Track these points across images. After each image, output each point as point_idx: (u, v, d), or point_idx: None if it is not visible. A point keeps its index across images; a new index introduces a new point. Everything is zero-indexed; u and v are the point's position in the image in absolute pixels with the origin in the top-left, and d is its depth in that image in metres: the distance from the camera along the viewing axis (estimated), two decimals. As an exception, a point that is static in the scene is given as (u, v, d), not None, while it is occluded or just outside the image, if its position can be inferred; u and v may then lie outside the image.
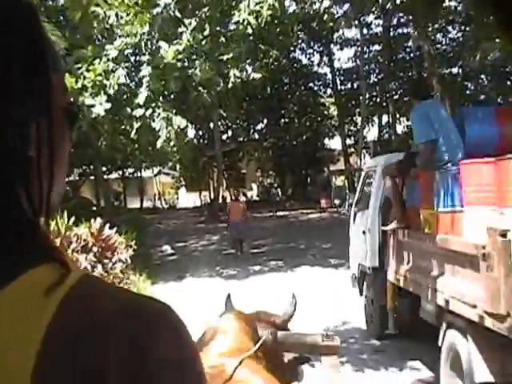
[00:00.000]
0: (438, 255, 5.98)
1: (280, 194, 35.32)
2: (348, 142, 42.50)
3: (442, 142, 6.58)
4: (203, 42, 13.63)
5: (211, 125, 36.69)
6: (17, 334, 0.61)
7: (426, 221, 6.53)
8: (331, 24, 40.29)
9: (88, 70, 13.65)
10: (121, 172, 41.04)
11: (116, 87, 13.57)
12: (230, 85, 13.63)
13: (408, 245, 7.00)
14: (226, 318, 2.61)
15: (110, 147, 19.82)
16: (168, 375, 0.65)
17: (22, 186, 0.70)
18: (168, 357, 0.66)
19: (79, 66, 13.78)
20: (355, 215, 10.03)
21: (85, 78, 13.56)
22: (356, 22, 40.54)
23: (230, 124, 43.52)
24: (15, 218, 0.69)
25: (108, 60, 13.78)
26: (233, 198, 19.62)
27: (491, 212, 5.14)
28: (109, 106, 13.52)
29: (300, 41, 41.99)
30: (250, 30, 13.31)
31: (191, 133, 43.07)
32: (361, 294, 9.48)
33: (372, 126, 42.78)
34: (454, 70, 38.72)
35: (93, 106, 13.30)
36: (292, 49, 41.89)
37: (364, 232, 9.16)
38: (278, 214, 31.68)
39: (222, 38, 13.93)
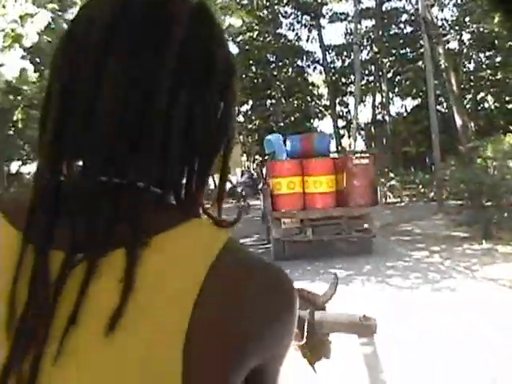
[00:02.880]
0: (269, 197, 12.87)
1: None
2: (339, 123, 38.36)
3: (277, 152, 13.98)
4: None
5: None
6: (178, 278, 0.74)
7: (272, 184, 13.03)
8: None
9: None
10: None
11: (36, 38, 9.25)
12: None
13: (265, 195, 13.63)
14: None
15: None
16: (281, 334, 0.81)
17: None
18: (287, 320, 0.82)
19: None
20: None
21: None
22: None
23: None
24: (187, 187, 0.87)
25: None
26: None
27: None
28: (26, 64, 9.30)
29: (287, 14, 37.91)
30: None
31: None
32: (263, 223, 15.41)
33: (364, 106, 38.54)
34: (452, 45, 34.71)
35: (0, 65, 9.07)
36: (278, 24, 37.77)
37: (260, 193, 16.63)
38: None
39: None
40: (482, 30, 30.77)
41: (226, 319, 0.73)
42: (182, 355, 0.70)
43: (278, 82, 37.90)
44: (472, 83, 35.24)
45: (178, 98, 0.81)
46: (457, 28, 32.95)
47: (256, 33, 36.46)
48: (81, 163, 0.81)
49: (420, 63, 35.16)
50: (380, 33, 36.97)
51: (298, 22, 38.00)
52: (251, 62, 37.52)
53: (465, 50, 34.91)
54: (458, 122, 25.28)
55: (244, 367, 0.74)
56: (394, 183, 26.54)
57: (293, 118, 37.40)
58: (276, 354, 0.81)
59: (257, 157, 44.82)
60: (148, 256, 0.73)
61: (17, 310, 0.72)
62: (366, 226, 12.49)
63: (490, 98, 36.61)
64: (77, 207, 0.76)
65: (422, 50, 35.29)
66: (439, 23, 33.93)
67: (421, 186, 26.62)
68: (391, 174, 27.57)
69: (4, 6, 9.28)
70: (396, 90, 39.48)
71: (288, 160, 13.41)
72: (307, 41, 38.71)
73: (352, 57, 36.57)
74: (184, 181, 0.86)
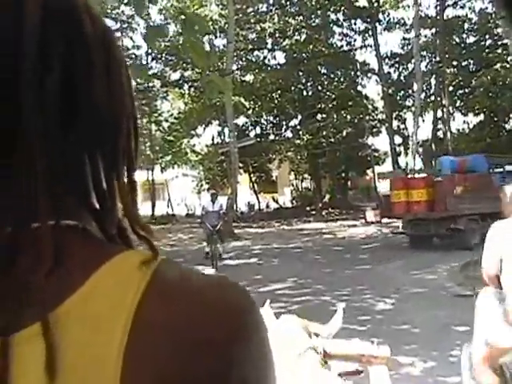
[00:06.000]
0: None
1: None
2: (395, 140, 33.98)
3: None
4: None
5: (237, 120, 28.86)
6: (106, 316, 0.54)
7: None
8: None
9: None
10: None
11: None
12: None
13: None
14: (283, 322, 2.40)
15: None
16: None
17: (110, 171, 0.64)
18: (252, 357, 0.58)
19: None
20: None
21: None
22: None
23: (258, 120, 35.48)
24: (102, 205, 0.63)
25: None
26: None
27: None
28: None
29: (339, 22, 33.90)
30: None
31: (214, 129, 35.51)
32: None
33: (423, 121, 34.06)
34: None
35: None
36: (330, 34, 33.84)
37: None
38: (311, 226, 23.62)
39: None
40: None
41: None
42: None
43: (328, 93, 33.81)
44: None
45: (50, 64, 0.57)
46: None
47: (304, 37, 32.53)
48: None
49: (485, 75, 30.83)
50: (441, 42, 32.67)
51: (351, 29, 33.99)
52: (300, 72, 33.66)
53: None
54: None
55: None
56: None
57: (344, 133, 33.16)
58: None
59: (305, 175, 40.68)
60: (68, 329, 0.54)
61: None
62: (452, 226, 15.25)
63: None
64: None
65: (487, 61, 30.96)
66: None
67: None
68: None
69: None
70: (457, 104, 35.08)
71: (397, 177, 20.11)
72: (361, 48, 34.40)
73: (410, 68, 32.45)
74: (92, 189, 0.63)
